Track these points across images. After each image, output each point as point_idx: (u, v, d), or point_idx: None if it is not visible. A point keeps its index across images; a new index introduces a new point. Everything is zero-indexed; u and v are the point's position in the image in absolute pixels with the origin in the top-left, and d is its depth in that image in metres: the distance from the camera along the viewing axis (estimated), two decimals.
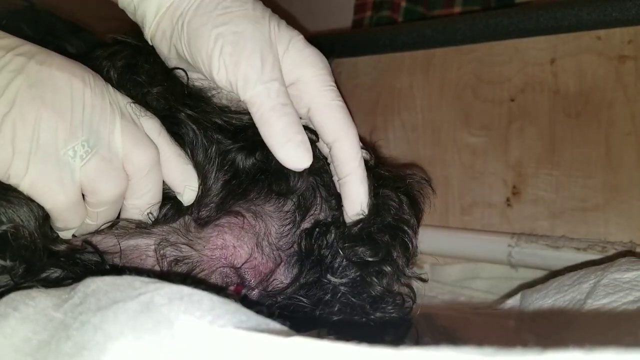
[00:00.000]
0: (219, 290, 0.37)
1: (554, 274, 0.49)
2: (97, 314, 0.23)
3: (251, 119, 0.36)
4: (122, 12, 0.39)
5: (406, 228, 0.42)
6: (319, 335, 0.21)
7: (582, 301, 0.39)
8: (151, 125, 0.35)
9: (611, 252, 0.53)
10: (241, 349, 0.20)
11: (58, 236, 0.34)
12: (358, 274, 0.39)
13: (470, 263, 0.64)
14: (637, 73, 0.57)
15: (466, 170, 0.68)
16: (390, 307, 0.40)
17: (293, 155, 0.35)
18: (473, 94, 0.68)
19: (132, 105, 0.35)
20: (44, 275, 0.32)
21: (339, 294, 0.39)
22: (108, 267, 0.34)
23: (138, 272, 0.34)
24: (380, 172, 0.43)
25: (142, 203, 0.35)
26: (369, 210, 0.39)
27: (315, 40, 0.39)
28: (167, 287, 0.24)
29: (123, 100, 0.34)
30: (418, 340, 0.43)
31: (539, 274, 0.58)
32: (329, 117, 0.37)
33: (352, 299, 0.39)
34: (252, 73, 0.35)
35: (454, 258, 0.66)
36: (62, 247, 0.34)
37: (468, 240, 0.63)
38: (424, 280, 0.45)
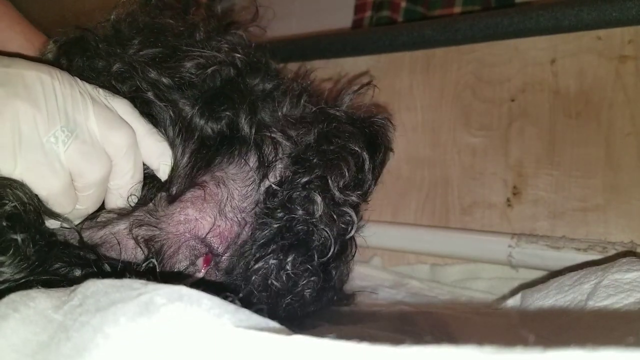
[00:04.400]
0: (218, 290, 0.37)
1: (555, 275, 0.49)
2: (96, 315, 0.23)
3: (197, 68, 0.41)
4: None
5: (349, 157, 0.43)
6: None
7: (583, 302, 0.39)
8: (123, 107, 0.37)
9: (611, 252, 0.53)
10: (242, 347, 0.20)
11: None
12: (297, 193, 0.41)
13: (471, 263, 0.64)
14: (637, 73, 0.57)
15: (466, 170, 0.68)
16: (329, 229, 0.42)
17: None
18: (473, 94, 0.68)
19: (101, 90, 0.36)
20: (53, 268, 0.33)
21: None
22: (104, 258, 0.36)
23: (129, 265, 0.36)
24: (336, 113, 0.45)
25: (124, 182, 0.36)
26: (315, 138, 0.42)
27: (315, 40, 0.40)
28: (166, 288, 0.24)
29: (92, 88, 0.36)
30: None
31: (539, 274, 0.58)
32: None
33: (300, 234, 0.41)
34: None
35: (454, 258, 0.66)
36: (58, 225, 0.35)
37: (468, 240, 0.63)
38: (365, 202, 0.46)
